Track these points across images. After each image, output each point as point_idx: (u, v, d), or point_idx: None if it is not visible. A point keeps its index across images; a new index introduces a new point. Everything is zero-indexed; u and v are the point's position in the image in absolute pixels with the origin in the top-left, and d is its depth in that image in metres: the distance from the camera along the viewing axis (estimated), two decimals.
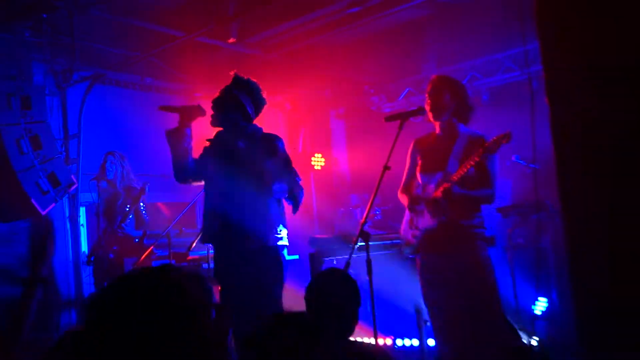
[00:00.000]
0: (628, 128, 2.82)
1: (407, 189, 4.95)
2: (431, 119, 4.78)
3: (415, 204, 4.81)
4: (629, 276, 2.81)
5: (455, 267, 4.57)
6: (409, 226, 4.84)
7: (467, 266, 4.55)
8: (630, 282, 2.80)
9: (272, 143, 4.61)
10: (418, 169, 4.85)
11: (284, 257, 4.61)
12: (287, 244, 4.64)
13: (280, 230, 4.58)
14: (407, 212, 4.93)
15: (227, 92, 4.69)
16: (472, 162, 4.47)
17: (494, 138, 4.46)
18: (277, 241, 4.55)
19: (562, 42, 3.05)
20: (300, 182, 4.71)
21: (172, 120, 4.72)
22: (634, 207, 2.80)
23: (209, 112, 4.71)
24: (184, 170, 4.70)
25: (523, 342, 4.66)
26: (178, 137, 4.64)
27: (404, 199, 4.94)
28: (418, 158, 4.89)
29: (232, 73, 4.76)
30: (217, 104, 4.69)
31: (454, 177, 4.51)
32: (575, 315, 3.02)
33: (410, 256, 4.84)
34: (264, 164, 4.51)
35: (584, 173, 2.99)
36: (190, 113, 4.67)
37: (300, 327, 2.67)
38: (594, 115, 2.93)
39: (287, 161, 4.68)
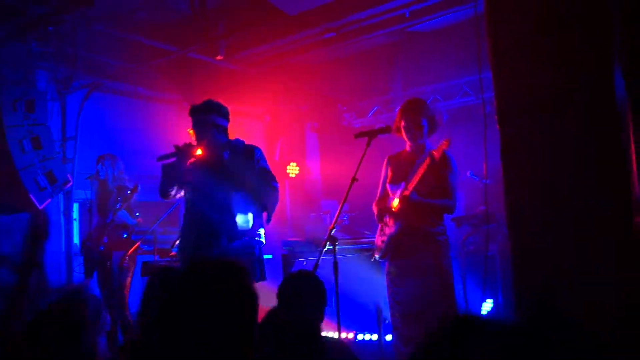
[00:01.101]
0: (566, 148, 2.93)
1: (379, 202, 4.97)
2: (407, 141, 4.78)
3: (382, 214, 4.87)
4: (565, 281, 2.91)
5: (418, 270, 4.61)
6: (379, 234, 4.89)
7: (428, 268, 4.59)
8: (565, 287, 2.90)
9: (253, 153, 4.60)
10: (388, 180, 4.90)
11: (261, 253, 4.60)
12: (264, 242, 4.63)
13: (259, 230, 4.58)
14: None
15: (201, 122, 4.65)
16: (422, 170, 4.53)
17: (438, 146, 4.54)
18: (256, 237, 4.55)
19: (511, 73, 3.15)
20: (277, 186, 4.67)
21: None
22: (571, 221, 2.90)
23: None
24: (169, 193, 4.71)
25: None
26: (175, 174, 4.62)
27: (375, 210, 4.97)
28: (389, 171, 4.93)
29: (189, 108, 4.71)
30: (200, 138, 4.66)
31: (410, 185, 4.58)
32: (515, 314, 3.11)
33: (379, 260, 4.88)
34: (244, 172, 4.50)
35: (528, 188, 3.09)
36: (185, 153, 4.60)
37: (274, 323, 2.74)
38: (537, 136, 3.03)
39: (263, 171, 4.63)
